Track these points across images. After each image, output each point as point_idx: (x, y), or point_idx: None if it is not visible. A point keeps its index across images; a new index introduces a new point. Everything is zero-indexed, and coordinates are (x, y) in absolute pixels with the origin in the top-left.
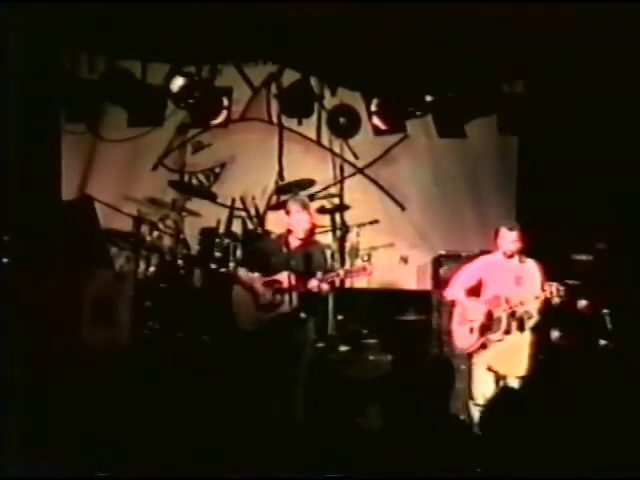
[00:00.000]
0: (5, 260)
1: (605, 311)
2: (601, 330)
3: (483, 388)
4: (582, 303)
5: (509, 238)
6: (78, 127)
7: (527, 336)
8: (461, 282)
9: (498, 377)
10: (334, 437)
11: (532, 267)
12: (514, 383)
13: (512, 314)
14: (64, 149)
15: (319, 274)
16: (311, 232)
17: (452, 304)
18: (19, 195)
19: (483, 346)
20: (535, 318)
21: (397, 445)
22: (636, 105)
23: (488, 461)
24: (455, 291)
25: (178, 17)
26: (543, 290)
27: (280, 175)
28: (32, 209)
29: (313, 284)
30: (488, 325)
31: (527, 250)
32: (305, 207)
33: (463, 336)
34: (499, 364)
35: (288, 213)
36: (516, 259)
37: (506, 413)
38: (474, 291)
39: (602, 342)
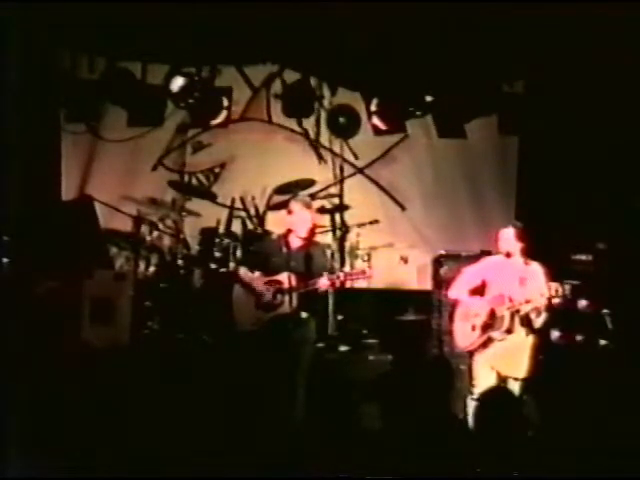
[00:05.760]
0: (5, 260)
1: (605, 311)
2: (601, 330)
3: (485, 387)
4: (582, 303)
5: (505, 236)
6: (78, 127)
7: (529, 336)
8: (464, 283)
9: (500, 377)
10: (334, 437)
11: (537, 269)
12: (515, 383)
13: (516, 312)
14: (64, 149)
15: (325, 274)
16: (313, 232)
17: (454, 304)
18: (19, 195)
19: (484, 345)
20: (544, 316)
21: (397, 445)
22: (636, 105)
23: (488, 461)
24: (458, 292)
25: (178, 17)
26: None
27: (279, 175)
28: (32, 209)
29: (321, 284)
30: (490, 323)
31: (527, 250)
32: (308, 207)
33: (465, 334)
34: (500, 364)
35: (290, 213)
36: (521, 260)
37: (506, 413)
38: (477, 292)
39: (602, 342)
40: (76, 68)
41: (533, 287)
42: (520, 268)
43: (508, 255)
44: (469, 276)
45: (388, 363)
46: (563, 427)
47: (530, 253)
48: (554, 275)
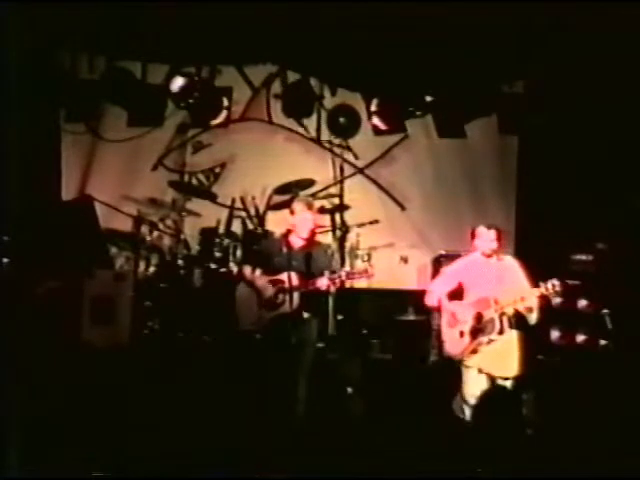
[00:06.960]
0: (5, 260)
1: (605, 311)
2: (601, 330)
3: (476, 390)
4: (582, 303)
5: (488, 237)
6: (78, 127)
7: (521, 336)
8: (440, 287)
9: (492, 379)
10: (334, 437)
11: (511, 263)
12: (510, 384)
13: (502, 313)
14: (64, 149)
15: (327, 273)
16: (314, 232)
17: (438, 310)
18: (19, 195)
19: (474, 351)
20: (536, 313)
21: (397, 445)
22: (636, 105)
23: (488, 461)
24: (436, 297)
25: (178, 17)
26: (538, 287)
27: (279, 175)
28: (32, 209)
29: (322, 283)
30: (480, 328)
31: (527, 250)
32: (310, 207)
33: (453, 341)
34: (493, 366)
35: (292, 213)
36: (494, 258)
37: (506, 413)
38: (456, 294)
39: (602, 342)
40: (76, 68)
41: (512, 282)
42: (496, 266)
43: (484, 255)
44: (444, 279)
45: (388, 363)
46: (562, 427)
47: (525, 251)
48: (554, 275)
